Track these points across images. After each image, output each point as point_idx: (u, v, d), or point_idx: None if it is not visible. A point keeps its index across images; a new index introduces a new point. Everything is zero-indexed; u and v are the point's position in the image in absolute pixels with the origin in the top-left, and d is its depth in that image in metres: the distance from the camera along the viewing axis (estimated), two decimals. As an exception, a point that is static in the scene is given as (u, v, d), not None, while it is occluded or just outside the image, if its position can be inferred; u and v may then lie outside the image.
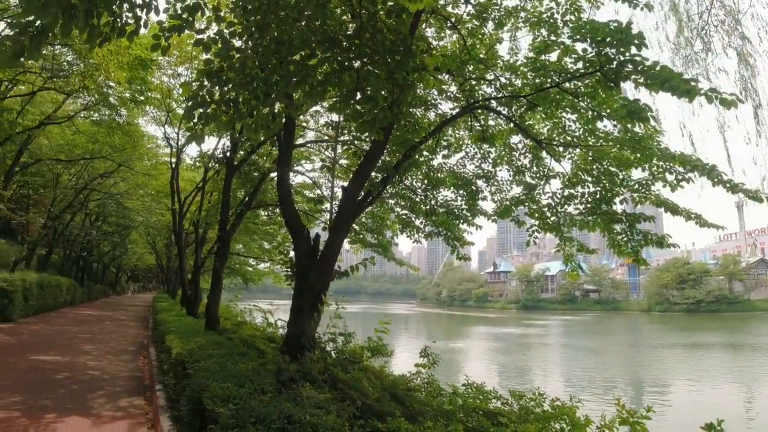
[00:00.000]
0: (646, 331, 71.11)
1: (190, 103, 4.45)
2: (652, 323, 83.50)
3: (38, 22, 3.60)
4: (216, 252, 13.50)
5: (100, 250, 43.66)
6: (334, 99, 4.75)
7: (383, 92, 4.12)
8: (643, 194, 8.34)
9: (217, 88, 4.45)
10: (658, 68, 5.47)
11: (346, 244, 16.89)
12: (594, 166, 8.83)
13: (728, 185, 7.09)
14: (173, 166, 21.39)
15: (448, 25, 9.13)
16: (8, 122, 14.65)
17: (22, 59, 3.66)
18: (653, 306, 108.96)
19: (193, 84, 4.55)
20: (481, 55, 8.57)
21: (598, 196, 8.57)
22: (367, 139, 8.57)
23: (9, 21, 12.94)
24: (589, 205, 8.70)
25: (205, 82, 4.46)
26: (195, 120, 4.40)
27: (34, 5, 3.36)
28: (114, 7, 4.16)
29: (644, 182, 8.32)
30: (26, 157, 22.99)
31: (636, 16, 7.78)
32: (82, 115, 21.86)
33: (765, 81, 7.35)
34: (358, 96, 4.22)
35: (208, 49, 4.50)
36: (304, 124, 14.29)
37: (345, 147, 11.16)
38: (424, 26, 9.02)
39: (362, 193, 7.64)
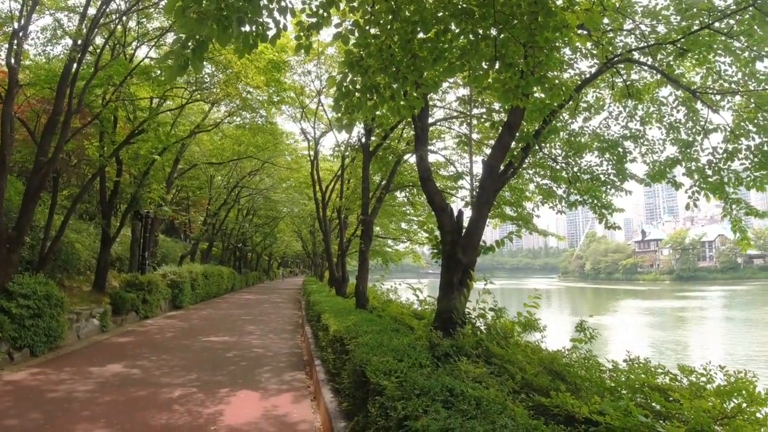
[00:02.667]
0: (822, 299, 62.29)
1: (335, 95, 4.64)
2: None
3: (198, 36, 3.95)
4: (361, 235, 14.04)
5: (253, 241, 47.55)
6: (469, 72, 4.66)
7: (523, 58, 3.97)
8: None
9: (359, 76, 4.58)
10: None
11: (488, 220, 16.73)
12: (758, 114, 7.81)
13: None
14: (312, 158, 22.62)
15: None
16: (164, 134, 16.39)
17: (184, 72, 4.05)
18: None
19: (337, 76, 4.72)
20: (617, 3, 7.92)
21: (766, 148, 7.56)
22: (503, 110, 8.34)
23: (166, 42, 14.47)
24: (756, 159, 7.71)
25: (348, 73, 4.61)
26: (342, 110, 4.57)
27: (190, 21, 3.68)
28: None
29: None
30: (182, 163, 25.52)
31: None
32: (226, 121, 23.76)
33: None
34: (498, 65, 4.11)
35: (347, 41, 4.64)
36: (432, 103, 14.29)
37: (479, 121, 10.96)
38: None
39: (503, 166, 7.48)
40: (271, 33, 4.67)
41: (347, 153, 17.67)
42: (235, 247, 41.30)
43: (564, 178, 9.92)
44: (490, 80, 4.11)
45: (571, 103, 8.87)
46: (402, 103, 4.40)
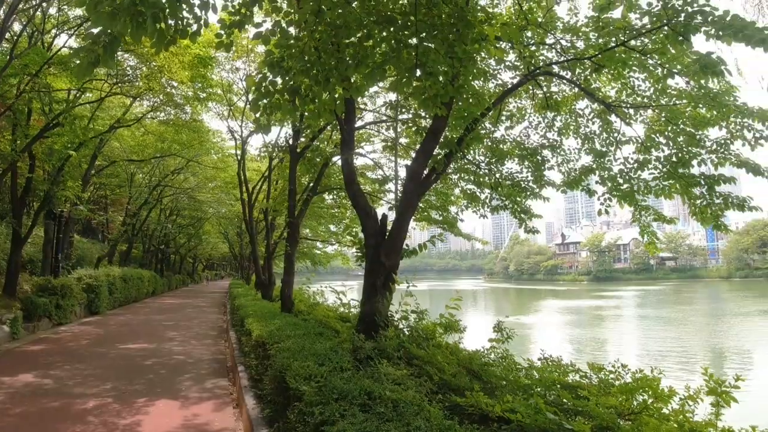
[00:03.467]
0: (726, 298, 67.85)
1: (254, 95, 4.57)
2: (733, 290, 79.46)
3: (109, 31, 3.78)
4: (287, 237, 13.88)
5: (176, 243, 45.86)
6: (393, 78, 4.73)
7: (443, 67, 4.07)
8: (722, 155, 7.83)
9: (279, 78, 4.53)
10: (729, 18, 5.11)
11: (413, 222, 16.98)
12: (668, 128, 8.38)
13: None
14: (239, 157, 22.11)
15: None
16: (81, 129, 15.53)
17: (97, 68, 3.86)
18: (733, 272, 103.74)
19: (257, 76, 4.65)
20: (540, 19, 8.28)
21: (674, 159, 8.12)
22: (428, 116, 8.50)
23: (84, 32, 13.74)
24: (665, 170, 8.27)
25: (268, 73, 4.56)
26: (260, 111, 4.51)
27: (102, 16, 3.52)
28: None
29: (722, 142, 7.81)
30: (100, 160, 24.27)
31: None
32: (149, 117, 22.83)
33: None
34: (418, 73, 4.19)
35: (267, 41, 4.59)
36: (362, 105, 14.36)
37: (405, 126, 11.11)
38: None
39: (426, 171, 7.62)
40: (193, 28, 4.55)
41: (275, 154, 17.41)
42: (157, 249, 39.70)
43: (487, 184, 10.23)
44: (409, 89, 4.18)
45: (493, 112, 9.16)
46: (324, 106, 4.39)
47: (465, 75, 4.14)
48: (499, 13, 9.30)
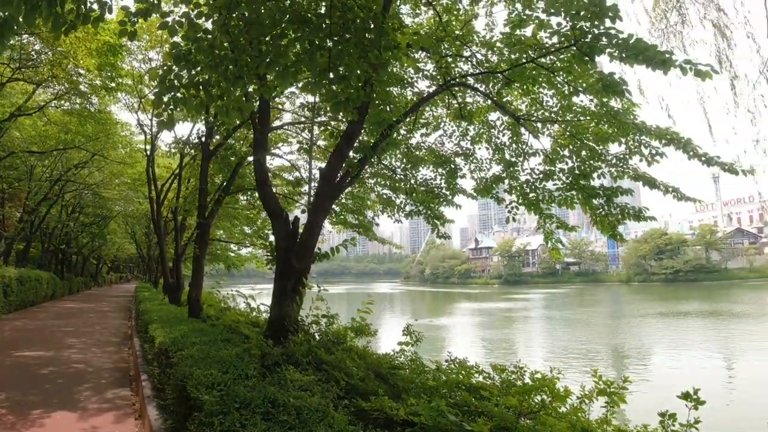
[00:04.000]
0: (626, 301, 72.57)
1: (158, 88, 4.37)
2: (631, 293, 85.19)
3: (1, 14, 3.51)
4: (196, 239, 13.35)
5: (78, 242, 42.91)
6: (308, 80, 4.67)
7: (356, 72, 4.07)
8: (621, 169, 8.41)
9: (185, 71, 4.35)
10: (633, 41, 5.48)
11: (329, 226, 16.94)
12: (572, 142, 8.87)
13: (703, 158, 7.20)
14: (148, 153, 21.02)
15: (423, 1, 9.04)
16: (-24, 116, 14.28)
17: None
18: (632, 277, 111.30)
19: (161, 68, 4.45)
20: (457, 32, 8.51)
21: (576, 172, 8.61)
22: (344, 120, 8.50)
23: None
24: (568, 181, 8.74)
25: (173, 66, 4.37)
26: (164, 105, 4.31)
27: (-6, -3, 3.25)
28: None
29: (622, 156, 8.40)
30: (-1, 150, 22.43)
31: None
32: (53, 105, 21.30)
33: (741, 52, 7.46)
34: (331, 76, 4.16)
35: (174, 32, 4.40)
36: (280, 106, 14.10)
37: (322, 128, 11.06)
38: (398, 3, 8.92)
39: (340, 174, 7.59)
40: (97, 14, 4.29)
41: (187, 151, 16.73)
42: (58, 249, 37.00)
43: (402, 189, 10.39)
44: (322, 91, 4.15)
45: (409, 119, 9.32)
46: (233, 104, 4.26)
47: (377, 80, 4.15)
48: (420, 23, 9.50)
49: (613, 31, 5.68)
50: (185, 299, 15.92)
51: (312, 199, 7.95)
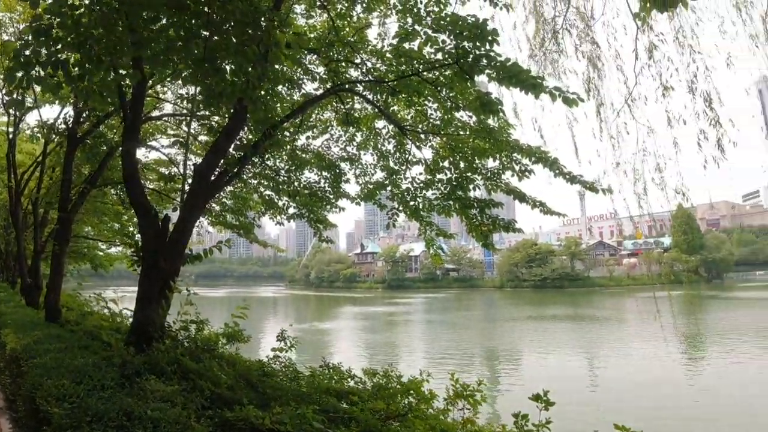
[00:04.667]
0: (499, 305, 76.94)
1: (12, 64, 3.92)
2: (504, 298, 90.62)
3: None
4: (55, 234, 12.14)
5: None
6: (181, 69, 4.41)
7: (232, 65, 3.92)
8: (495, 182, 8.91)
9: (44, 48, 3.95)
10: (509, 64, 5.82)
11: (210, 227, 16.21)
12: (452, 154, 9.22)
13: (567, 176, 7.82)
14: (10, 136, 18.74)
15: (318, 3, 8.96)
16: None
17: None
18: (505, 283, 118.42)
19: (18, 42, 4.01)
20: (350, 38, 8.55)
21: (454, 183, 8.97)
22: (226, 115, 8.18)
23: None
24: (446, 191, 9.08)
25: (31, 41, 3.94)
26: (16, 83, 3.88)
27: None
28: None
29: (496, 171, 8.90)
30: None
31: (499, 15, 8.26)
32: None
33: (610, 83, 8.27)
34: (206, 67, 3.97)
35: (36, 4, 3.97)
36: (162, 95, 13.27)
37: (202, 122, 10.56)
38: (292, 2, 8.78)
39: (218, 172, 7.26)
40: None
41: (52, 136, 15.16)
42: None
43: (286, 191, 10.22)
44: (197, 81, 3.94)
45: (295, 120, 9.20)
46: (96, 87, 3.91)
47: (255, 76, 4.01)
48: (313, 25, 9.42)
49: (492, 54, 5.97)
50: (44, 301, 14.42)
51: (185, 196, 7.53)
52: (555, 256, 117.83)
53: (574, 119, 7.95)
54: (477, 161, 9.08)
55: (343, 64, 8.89)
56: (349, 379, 6.19)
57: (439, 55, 7.01)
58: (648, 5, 4.98)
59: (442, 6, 7.49)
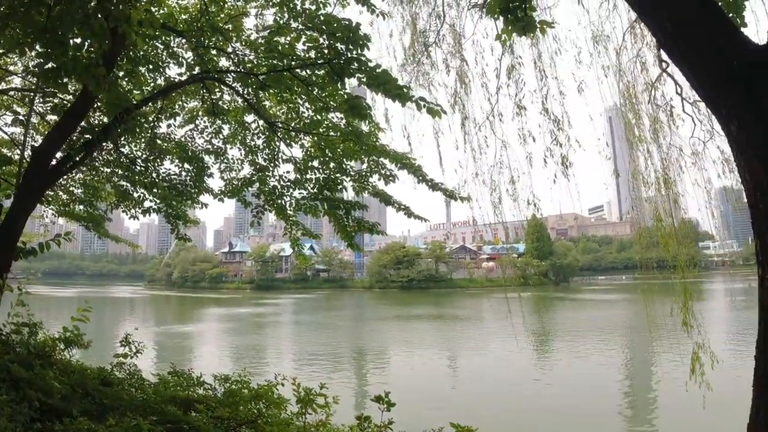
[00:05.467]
0: (368, 306, 78.54)
1: None
2: (373, 299, 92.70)
3: None
4: None
5: None
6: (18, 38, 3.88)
7: (76, 39, 3.51)
8: (362, 184, 8.99)
9: None
10: (379, 70, 5.91)
11: (56, 218, 14.46)
12: (323, 154, 9.15)
13: (430, 183, 8.12)
14: None
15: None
16: None
17: None
18: (374, 283, 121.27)
19: None
20: (222, 25, 8.13)
21: (323, 183, 8.93)
22: (74, 93, 7.37)
23: None
24: (315, 191, 9.00)
25: None
26: None
27: None
28: None
29: (364, 173, 8.98)
30: None
31: (378, 23, 8.36)
32: None
33: (475, 99, 8.69)
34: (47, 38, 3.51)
35: None
36: (12, 67, 11.63)
37: (46, 99, 9.41)
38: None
39: (60, 157, 6.52)
40: None
41: None
42: None
43: (142, 182, 9.49)
44: (34, 52, 3.48)
45: (157, 106, 8.60)
46: None
47: (98, 53, 3.62)
48: (185, 6, 8.84)
49: (363, 58, 6.02)
50: None
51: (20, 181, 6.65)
52: (421, 258, 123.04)
53: (440, 130, 8.26)
54: (346, 163, 9.11)
55: (214, 52, 8.45)
56: (197, 387, 5.84)
57: (312, 54, 6.94)
58: (510, 28, 5.34)
59: (320, 5, 7.43)
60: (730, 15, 6.26)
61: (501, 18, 5.21)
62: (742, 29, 6.17)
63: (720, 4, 6.33)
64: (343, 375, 25.85)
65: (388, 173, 8.54)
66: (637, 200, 8.57)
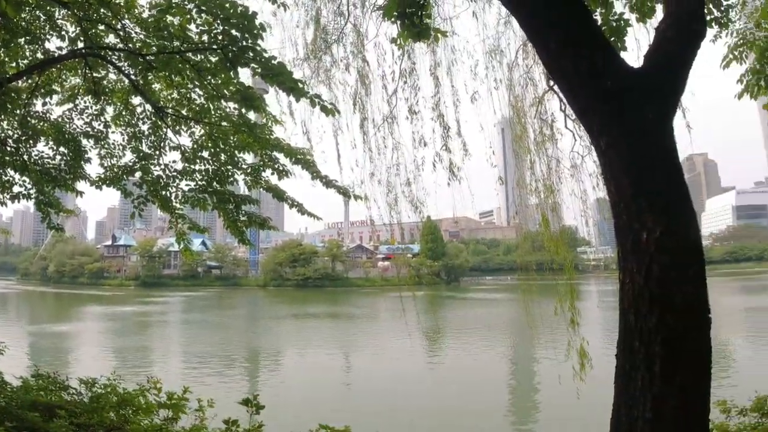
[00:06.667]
0: (263, 304, 77.45)
1: None
2: (268, 297, 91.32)
3: None
4: None
5: None
6: None
7: None
8: (255, 179, 8.74)
9: None
10: (274, 62, 5.79)
11: None
12: (214, 145, 8.76)
13: (324, 180, 8.08)
14: None
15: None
16: None
17: None
18: (269, 281, 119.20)
19: None
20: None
21: (212, 175, 8.57)
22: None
23: None
24: (203, 183, 8.61)
25: None
26: None
27: None
28: None
29: (256, 167, 8.72)
30: None
31: (281, 13, 8.15)
32: None
33: (375, 99, 8.80)
34: None
35: None
36: None
37: None
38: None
39: None
40: None
41: None
42: None
43: (13, 164, 8.58)
44: None
45: (31, 81, 7.82)
46: None
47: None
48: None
49: (258, 48, 5.87)
50: None
51: None
52: (318, 257, 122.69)
53: (339, 128, 8.23)
54: (239, 155, 8.80)
55: (101, 27, 7.81)
56: (62, 391, 5.35)
57: (206, 38, 6.65)
58: (406, 33, 5.45)
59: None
60: (612, 39, 6.86)
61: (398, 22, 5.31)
62: (622, 53, 6.80)
63: (604, 28, 6.91)
64: (232, 377, 25.13)
65: (281, 168, 8.36)
66: (522, 207, 9.10)
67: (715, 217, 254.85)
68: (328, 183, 8.09)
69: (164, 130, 8.94)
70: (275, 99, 7.71)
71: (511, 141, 8.48)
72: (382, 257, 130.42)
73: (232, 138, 8.51)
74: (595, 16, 6.72)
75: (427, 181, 7.81)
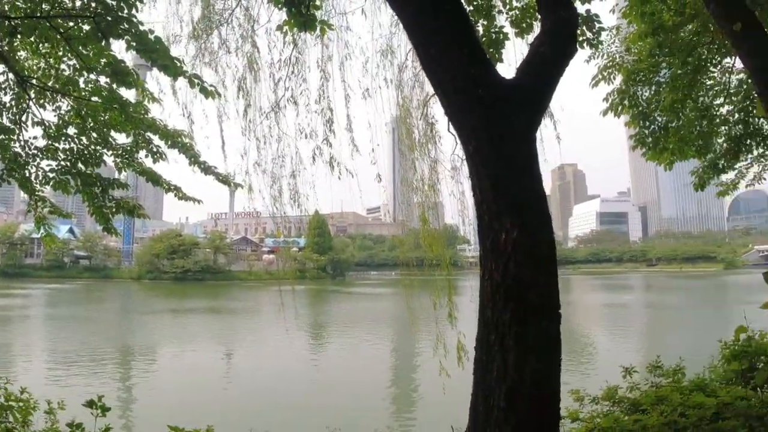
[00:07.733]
0: (137, 298, 73.31)
1: None
2: (142, 291, 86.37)
3: None
4: None
5: None
6: None
7: None
8: (127, 160, 8.19)
9: None
10: (151, 37, 5.50)
11: None
12: (82, 121, 8.08)
13: (202, 166, 7.79)
14: None
15: None
16: None
17: None
18: (144, 274, 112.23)
19: None
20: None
21: (77, 155, 7.90)
22: None
23: None
24: (68, 163, 7.91)
25: None
26: None
27: None
28: None
29: (129, 148, 8.18)
30: None
31: None
32: None
33: (263, 87, 8.57)
34: None
35: None
36: None
37: None
38: None
39: None
40: None
41: None
42: None
43: None
44: None
45: None
46: None
47: None
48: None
49: (134, 20, 5.53)
50: None
51: None
52: (199, 248, 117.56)
53: (225, 114, 7.94)
54: (112, 136, 8.19)
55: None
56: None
57: (78, 3, 6.16)
58: (292, 21, 5.41)
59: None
60: (491, 50, 7.25)
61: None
62: (499, 64, 7.20)
63: (484, 39, 7.26)
64: (101, 377, 23.35)
65: (156, 150, 7.91)
66: (405, 204, 9.37)
67: (581, 222, 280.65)
68: (206, 169, 7.79)
69: (27, 102, 8.09)
70: (159, 77, 7.33)
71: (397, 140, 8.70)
72: (267, 250, 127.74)
73: (102, 115, 7.89)
74: (478, 27, 7.11)
75: (319, 175, 7.81)
